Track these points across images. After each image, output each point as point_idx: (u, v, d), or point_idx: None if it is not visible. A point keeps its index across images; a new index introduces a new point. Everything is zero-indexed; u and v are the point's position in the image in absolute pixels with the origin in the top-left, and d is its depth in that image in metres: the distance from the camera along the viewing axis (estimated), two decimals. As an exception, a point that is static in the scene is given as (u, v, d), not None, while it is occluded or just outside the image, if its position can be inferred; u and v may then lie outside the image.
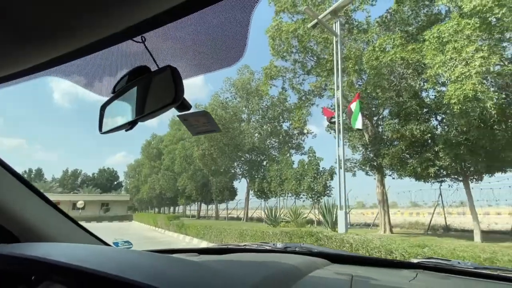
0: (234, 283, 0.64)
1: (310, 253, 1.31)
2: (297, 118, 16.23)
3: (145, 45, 0.72)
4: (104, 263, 0.60)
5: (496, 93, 7.87)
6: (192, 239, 14.69)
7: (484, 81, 7.40)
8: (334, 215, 12.71)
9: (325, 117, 11.12)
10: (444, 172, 11.83)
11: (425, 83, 9.17)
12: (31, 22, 0.55)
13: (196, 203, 38.36)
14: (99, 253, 0.73)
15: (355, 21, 14.48)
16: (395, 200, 22.03)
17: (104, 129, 0.81)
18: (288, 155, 26.73)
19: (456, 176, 12.02)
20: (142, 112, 0.71)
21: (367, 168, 15.27)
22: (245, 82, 28.24)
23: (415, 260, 1.25)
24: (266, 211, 16.99)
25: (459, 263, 1.17)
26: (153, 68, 0.75)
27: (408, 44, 9.92)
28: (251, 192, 27.78)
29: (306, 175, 20.71)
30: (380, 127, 14.74)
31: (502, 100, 8.35)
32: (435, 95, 11.42)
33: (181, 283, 0.55)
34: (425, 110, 11.85)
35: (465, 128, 9.77)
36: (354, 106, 8.31)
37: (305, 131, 28.18)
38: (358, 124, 7.68)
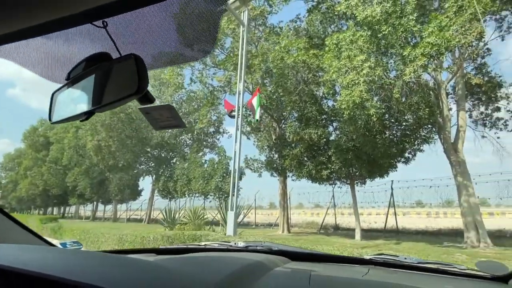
0: (193, 283, 0.62)
1: (270, 251, 1.33)
2: (203, 115, 15.30)
3: (106, 30, 0.68)
4: (50, 265, 0.57)
5: (378, 103, 8.57)
6: (64, 247, 12.05)
7: (370, 90, 7.93)
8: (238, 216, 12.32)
9: (226, 110, 10.56)
10: (336, 175, 12.70)
11: (322, 87, 9.59)
12: None
13: (92, 203, 33.25)
14: (44, 255, 0.70)
15: (270, 25, 14.59)
16: (302, 201, 23.43)
17: (54, 118, 0.76)
18: (200, 154, 25.61)
19: (345, 180, 13.06)
20: (100, 102, 0.67)
21: (271, 169, 15.46)
22: (158, 70, 25.87)
23: (367, 257, 1.31)
24: (163, 212, 15.47)
25: (405, 258, 1.25)
26: (115, 56, 0.70)
27: (310, 49, 10.22)
28: (156, 191, 25.48)
29: (215, 175, 20.02)
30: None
31: (383, 110, 9.21)
32: (333, 104, 12.21)
33: (133, 284, 0.53)
34: (323, 116, 12.54)
35: (354, 136, 10.59)
36: (255, 100, 7.90)
37: (221, 130, 27.47)
38: (257, 116, 7.31)
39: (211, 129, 27.54)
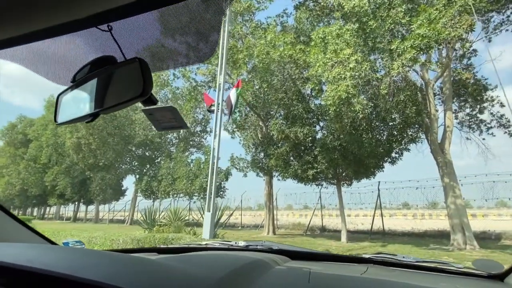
0: (194, 281, 0.63)
1: (271, 251, 1.35)
2: (187, 111, 14.74)
3: (111, 34, 0.70)
4: (55, 263, 0.57)
5: (365, 101, 8.27)
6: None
7: (356, 86, 7.63)
8: (216, 217, 11.85)
9: (205, 104, 10.09)
10: (322, 176, 12.37)
11: (309, 83, 9.26)
12: None
13: (73, 203, 31.97)
14: (48, 253, 0.70)
15: (257, 21, 14.22)
16: (290, 203, 23.11)
17: (60, 119, 0.78)
18: (187, 153, 24.96)
19: (331, 180, 12.75)
20: (105, 104, 0.68)
21: (257, 169, 15.05)
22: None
23: (366, 256, 1.32)
24: (142, 213, 14.82)
25: (403, 257, 1.27)
26: (120, 59, 0.72)
27: (297, 44, 9.88)
28: (139, 191, 24.64)
29: (200, 175, 19.45)
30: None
31: (370, 109, 8.93)
32: (319, 103, 11.90)
33: (137, 281, 0.53)
34: (310, 114, 12.21)
35: (340, 134, 10.28)
36: (233, 94, 7.44)
37: (209, 129, 26.87)
38: (234, 111, 6.83)
39: (198, 128, 26.97)
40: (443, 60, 10.21)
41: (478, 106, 12.23)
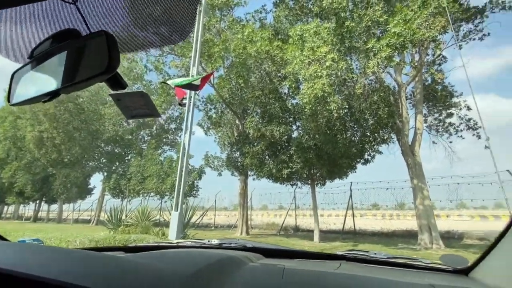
0: (163, 277, 0.60)
1: (245, 248, 1.34)
2: (157, 106, 14.09)
3: (76, 6, 0.66)
4: (11, 260, 0.54)
5: (340, 101, 8.25)
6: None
7: (332, 85, 7.57)
8: (187, 217, 11.42)
9: (177, 98, 9.60)
10: (297, 175, 12.30)
11: (286, 82, 9.12)
12: None
13: (34, 202, 29.74)
14: (3, 250, 0.65)
15: (237, 18, 13.92)
16: (265, 203, 22.96)
17: (15, 100, 0.71)
18: (160, 151, 24.04)
19: (305, 180, 12.73)
20: (66, 82, 0.62)
21: (232, 168, 14.73)
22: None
23: (339, 252, 1.34)
24: (108, 212, 13.99)
25: (375, 254, 1.29)
26: (85, 33, 0.66)
27: (275, 41, 9.71)
28: (106, 190, 23.35)
29: (172, 173, 18.77)
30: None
31: (345, 110, 8.94)
32: (296, 102, 11.83)
33: (100, 279, 0.50)
34: (286, 114, 12.09)
35: (315, 134, 10.24)
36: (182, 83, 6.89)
37: (183, 126, 26.03)
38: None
39: (172, 126, 26.13)
40: (416, 64, 10.50)
41: (446, 111, 12.77)
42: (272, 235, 15.01)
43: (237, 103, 13.82)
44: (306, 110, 7.94)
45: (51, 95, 0.65)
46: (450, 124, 12.92)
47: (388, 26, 6.71)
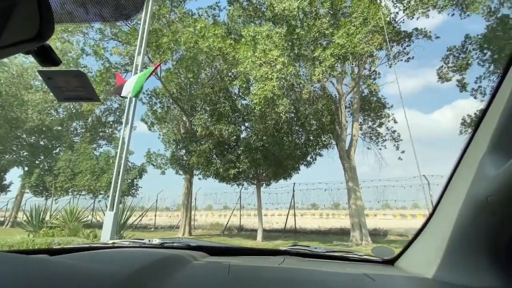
0: (97, 278, 0.56)
1: (188, 247, 1.31)
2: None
3: None
4: None
5: (288, 106, 8.58)
6: None
7: (282, 88, 7.84)
8: (124, 217, 10.63)
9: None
10: (243, 176, 12.41)
11: (237, 81, 9.15)
12: None
13: None
14: None
15: (188, 10, 13.48)
16: (210, 203, 22.56)
17: None
18: (95, 145, 21.87)
19: (252, 180, 12.91)
20: None
21: (177, 166, 14.17)
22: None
23: (282, 248, 1.38)
24: (27, 212, 12.26)
25: (315, 248, 1.37)
26: None
27: (227, 39, 9.67)
28: (27, 187, 20.37)
29: (109, 170, 17.23)
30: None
31: (292, 114, 9.33)
32: (246, 103, 11.95)
33: (22, 282, 0.46)
34: (236, 114, 12.12)
35: (264, 137, 10.48)
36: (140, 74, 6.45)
37: (123, 120, 24.08)
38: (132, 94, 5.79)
39: (111, 118, 24.06)
40: (355, 77, 11.51)
41: (378, 120, 14.27)
42: (215, 235, 14.87)
43: (185, 99, 13.35)
44: (256, 111, 8.08)
45: None
46: (379, 134, 14.47)
47: (333, 38, 7.27)
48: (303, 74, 9.47)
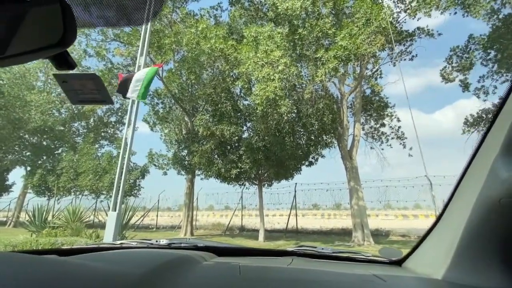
0: (109, 278, 0.56)
1: (196, 248, 1.31)
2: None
3: None
4: None
5: (290, 105, 8.58)
6: None
7: (284, 88, 7.84)
8: (127, 217, 10.66)
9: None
10: (245, 176, 12.40)
11: (239, 81, 9.15)
12: None
13: None
14: None
15: (190, 11, 13.50)
16: (212, 203, 22.58)
17: None
18: (97, 146, 21.93)
19: (253, 181, 12.91)
20: (8, 52, 0.52)
21: (179, 167, 14.19)
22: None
23: (290, 249, 1.39)
24: (30, 212, 12.30)
25: (322, 249, 1.38)
26: None
27: (229, 39, 9.68)
28: (29, 187, 20.44)
29: (111, 170, 17.29)
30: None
31: (293, 114, 9.33)
32: (248, 103, 11.96)
33: (31, 282, 0.45)
34: (238, 114, 12.13)
35: (265, 135, 10.48)
36: (142, 73, 6.44)
37: (125, 120, 24.14)
38: (134, 95, 5.82)
39: (113, 119, 24.15)
40: (357, 77, 11.49)
41: (380, 120, 14.24)
42: (217, 235, 14.88)
43: (187, 100, 13.37)
44: (257, 111, 8.09)
45: None
46: (382, 133, 14.43)
47: (336, 38, 7.27)
48: (305, 75, 9.48)
